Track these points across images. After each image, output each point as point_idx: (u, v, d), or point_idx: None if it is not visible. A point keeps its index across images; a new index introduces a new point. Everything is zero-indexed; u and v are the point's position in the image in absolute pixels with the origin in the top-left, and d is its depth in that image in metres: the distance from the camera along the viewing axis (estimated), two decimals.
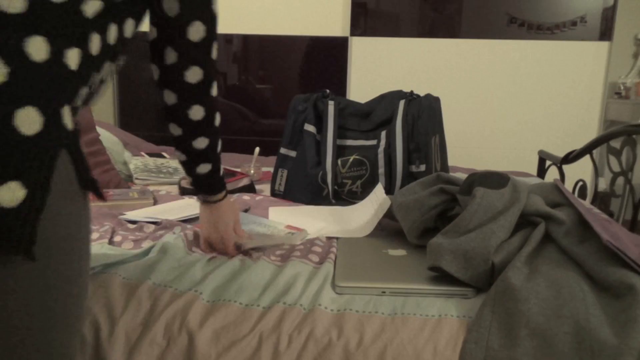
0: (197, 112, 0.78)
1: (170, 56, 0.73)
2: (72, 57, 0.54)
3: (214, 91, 0.79)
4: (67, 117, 0.52)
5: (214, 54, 0.76)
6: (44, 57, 0.51)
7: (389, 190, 1.37)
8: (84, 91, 0.57)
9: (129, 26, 0.65)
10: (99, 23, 0.58)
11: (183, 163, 0.85)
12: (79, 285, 0.58)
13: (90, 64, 0.57)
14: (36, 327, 0.53)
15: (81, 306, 0.59)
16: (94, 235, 1.04)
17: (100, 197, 0.61)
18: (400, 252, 0.99)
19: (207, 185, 0.89)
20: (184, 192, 1.48)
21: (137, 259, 0.93)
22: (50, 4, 0.52)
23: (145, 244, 1.00)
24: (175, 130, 0.81)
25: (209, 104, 0.79)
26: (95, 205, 1.28)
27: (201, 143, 0.82)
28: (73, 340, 0.59)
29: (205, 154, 0.83)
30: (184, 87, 0.76)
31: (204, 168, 0.85)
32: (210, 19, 0.73)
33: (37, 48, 0.50)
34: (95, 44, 0.58)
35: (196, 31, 0.72)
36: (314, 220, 1.19)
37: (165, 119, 0.81)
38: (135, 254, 0.95)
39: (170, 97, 0.77)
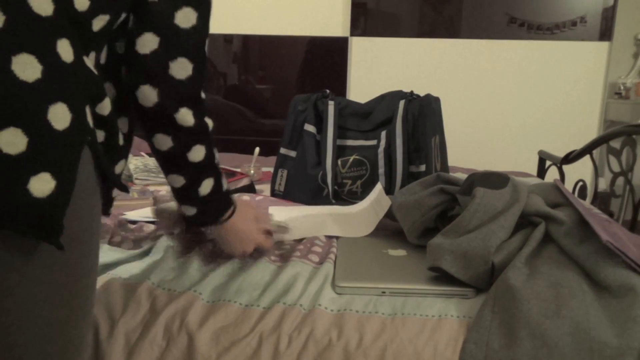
0: (198, 153, 0.70)
1: (150, 44, 0.64)
2: (90, 62, 0.57)
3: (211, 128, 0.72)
4: (89, 116, 0.55)
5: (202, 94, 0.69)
6: (71, 58, 0.53)
7: (389, 190, 1.37)
8: (102, 96, 0.58)
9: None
10: (103, 37, 0.60)
11: (180, 190, 0.75)
12: (94, 277, 0.60)
13: (101, 71, 0.60)
14: (56, 317, 0.55)
15: (92, 299, 0.61)
16: None
17: (124, 189, 0.65)
18: (400, 252, 0.99)
19: (213, 209, 0.77)
20: None
21: (136, 259, 0.93)
22: (75, 11, 0.55)
23: (145, 244, 1.00)
24: (177, 181, 0.72)
25: (209, 141, 0.72)
26: None
27: (207, 187, 0.74)
28: (86, 331, 0.61)
29: (205, 166, 0.74)
30: (177, 128, 0.67)
31: (207, 185, 0.75)
32: (198, 58, 0.66)
33: (66, 50, 0.52)
34: (103, 55, 0.60)
35: (182, 68, 0.64)
36: (313, 221, 1.19)
37: (163, 169, 0.72)
38: (135, 255, 0.95)
39: (165, 141, 0.69)
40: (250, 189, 1.51)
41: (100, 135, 0.60)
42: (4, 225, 0.49)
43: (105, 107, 0.59)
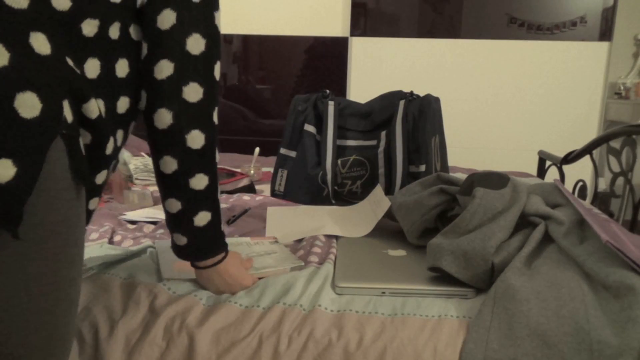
0: (200, 181, 0.71)
1: (166, 70, 0.67)
2: (70, 59, 0.58)
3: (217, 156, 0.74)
4: (67, 110, 0.55)
5: (215, 117, 0.71)
6: (48, 52, 0.54)
7: (389, 190, 1.37)
8: (87, 97, 0.58)
9: (120, 65, 0.65)
10: (97, 46, 0.61)
11: (174, 218, 0.75)
12: (77, 270, 0.60)
13: (113, 82, 0.63)
14: (36, 308, 0.55)
15: (78, 290, 0.62)
16: (94, 235, 1.04)
17: (94, 191, 0.64)
18: (400, 252, 0.99)
19: (205, 246, 0.77)
20: None
21: (136, 257, 0.93)
22: (53, 9, 0.56)
23: (145, 243, 1.00)
24: (173, 206, 0.73)
25: (213, 172, 0.73)
26: None
27: (203, 219, 0.74)
28: (72, 322, 0.61)
29: (206, 196, 0.74)
30: (185, 152, 0.69)
31: (203, 218, 0.74)
32: (208, 82, 0.69)
33: (40, 43, 0.53)
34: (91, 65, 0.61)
35: (194, 92, 0.67)
36: (313, 221, 1.19)
37: (163, 193, 0.73)
38: (134, 252, 0.95)
39: (170, 164, 0.70)
40: (250, 189, 1.51)
41: (86, 137, 0.60)
42: None
43: (92, 110, 0.59)
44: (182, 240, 0.75)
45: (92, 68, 0.61)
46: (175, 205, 0.72)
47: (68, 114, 0.55)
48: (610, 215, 1.62)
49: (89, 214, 0.67)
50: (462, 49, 2.76)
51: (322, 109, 1.44)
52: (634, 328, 0.65)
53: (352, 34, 2.80)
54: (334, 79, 2.86)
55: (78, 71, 0.58)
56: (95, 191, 0.65)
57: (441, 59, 2.78)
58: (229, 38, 2.88)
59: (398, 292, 0.82)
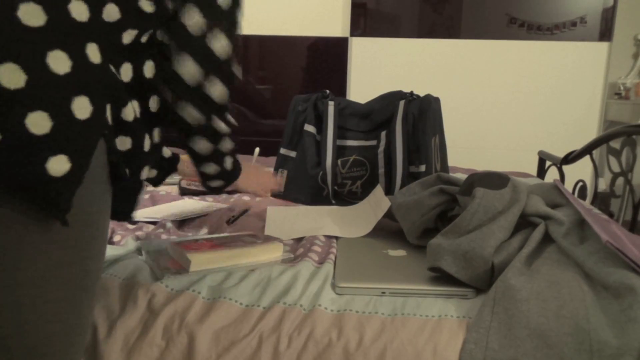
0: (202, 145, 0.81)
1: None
2: (126, 72, 0.65)
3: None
4: (109, 114, 0.61)
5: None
6: (99, 61, 0.60)
7: (388, 190, 1.37)
8: (126, 101, 0.65)
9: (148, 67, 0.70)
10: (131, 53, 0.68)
11: (215, 174, 0.90)
12: (100, 262, 0.64)
13: (142, 83, 0.69)
14: (62, 296, 0.59)
15: (98, 283, 0.66)
16: None
17: (138, 185, 0.72)
18: (400, 252, 0.99)
19: (234, 173, 0.93)
20: (183, 192, 1.47)
21: (133, 256, 0.93)
22: (104, 21, 0.63)
23: (143, 242, 1.00)
24: (209, 167, 0.87)
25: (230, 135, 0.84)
26: None
27: (229, 162, 0.89)
28: (90, 315, 0.65)
29: (230, 149, 0.87)
30: (211, 132, 0.80)
31: (229, 162, 0.89)
32: (227, 76, 0.75)
33: (94, 52, 0.60)
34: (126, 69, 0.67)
35: (214, 85, 0.74)
36: (313, 221, 1.19)
37: (196, 160, 0.85)
38: (131, 250, 0.95)
39: (202, 143, 0.81)
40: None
41: (127, 140, 0.66)
42: (20, 197, 0.54)
43: (129, 113, 0.65)
44: (219, 182, 0.91)
45: (126, 72, 0.66)
46: (210, 166, 0.86)
47: (109, 117, 0.62)
48: (610, 215, 1.62)
49: (133, 205, 0.74)
50: (462, 49, 2.76)
51: (322, 109, 1.44)
52: (634, 328, 0.65)
53: (352, 34, 2.80)
54: (334, 79, 2.86)
55: (119, 77, 0.64)
56: (140, 185, 0.72)
57: (441, 59, 2.78)
58: None
59: (398, 292, 0.82)
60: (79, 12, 0.59)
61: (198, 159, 0.84)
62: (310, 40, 2.84)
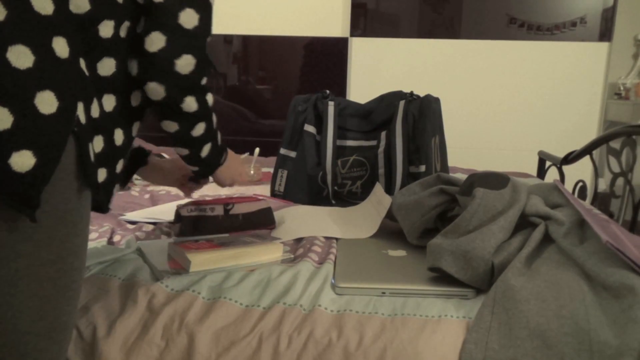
0: (190, 104, 0.75)
1: (157, 42, 0.68)
2: (84, 61, 0.63)
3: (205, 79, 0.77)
4: (80, 112, 0.60)
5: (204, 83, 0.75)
6: (66, 55, 0.59)
7: (389, 190, 1.37)
8: (92, 98, 0.63)
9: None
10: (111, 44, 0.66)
11: (186, 157, 0.84)
12: (81, 260, 0.64)
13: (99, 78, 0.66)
14: (44, 294, 0.59)
15: (81, 280, 0.65)
16: (93, 235, 1.04)
17: (113, 178, 0.70)
18: (400, 252, 0.99)
19: (212, 163, 0.88)
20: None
21: (133, 256, 0.93)
22: (72, 14, 0.61)
23: (143, 242, 1.00)
24: (182, 151, 0.82)
25: (210, 117, 0.79)
26: None
27: (206, 150, 0.83)
28: (74, 312, 0.65)
29: (206, 136, 0.81)
30: (183, 115, 0.74)
31: (206, 149, 0.84)
32: (201, 54, 0.71)
33: (61, 47, 0.58)
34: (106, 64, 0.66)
35: (186, 64, 0.69)
36: (314, 222, 1.19)
37: (171, 143, 0.81)
38: (131, 250, 0.95)
39: (172, 126, 0.76)
40: (266, 215, 1.16)
41: (100, 141, 0.65)
42: None
43: (94, 110, 0.63)
44: (195, 168, 0.86)
45: (107, 67, 0.65)
46: (184, 150, 0.81)
47: (81, 114, 0.60)
48: (610, 215, 1.62)
49: (109, 197, 0.72)
50: (462, 49, 2.76)
51: (322, 109, 1.44)
52: (634, 328, 0.65)
53: (352, 35, 2.80)
54: (334, 79, 2.86)
55: (87, 73, 0.62)
56: (115, 178, 0.71)
57: (441, 60, 2.78)
58: (229, 38, 2.88)
59: (398, 292, 0.82)
60: (42, 5, 0.57)
61: (171, 141, 0.80)
62: (310, 41, 2.84)
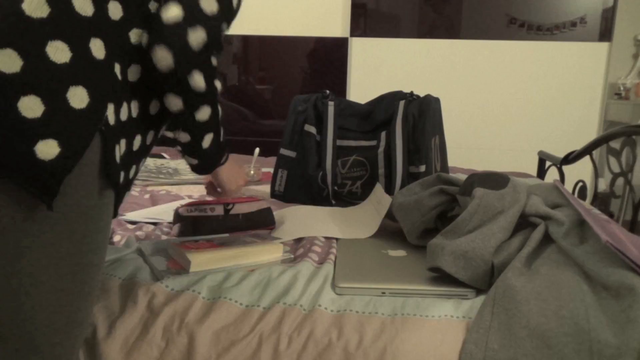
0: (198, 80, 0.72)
1: (173, 11, 0.67)
2: (118, 65, 0.65)
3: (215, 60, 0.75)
4: (110, 112, 0.62)
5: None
6: (102, 57, 0.61)
7: (389, 190, 1.37)
8: (123, 102, 0.66)
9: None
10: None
11: (186, 146, 0.79)
12: (100, 257, 0.65)
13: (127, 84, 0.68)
14: (62, 287, 0.60)
15: (99, 277, 0.66)
16: None
17: (127, 184, 0.71)
18: (400, 252, 0.99)
19: (213, 158, 0.84)
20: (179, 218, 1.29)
21: (133, 256, 0.93)
22: (110, 19, 0.64)
23: (142, 243, 1.00)
24: (183, 137, 0.77)
25: (215, 102, 0.77)
26: None
27: (208, 140, 0.79)
28: (90, 308, 0.66)
29: (209, 124, 0.78)
30: (189, 91, 0.72)
31: (208, 140, 0.80)
32: (214, 30, 0.70)
33: (98, 48, 0.61)
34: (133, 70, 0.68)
35: (198, 37, 0.68)
36: (314, 222, 1.19)
37: (171, 127, 0.78)
38: (131, 250, 0.95)
39: (176, 103, 0.73)
40: (266, 215, 1.17)
41: (123, 144, 0.66)
42: (12, 180, 0.55)
43: (124, 113, 0.65)
44: (194, 161, 0.82)
45: (135, 72, 0.68)
46: (185, 136, 0.78)
47: (111, 115, 0.62)
48: (610, 215, 1.62)
49: (120, 202, 0.72)
50: (462, 49, 2.76)
51: (322, 110, 1.44)
52: (634, 328, 0.65)
53: (352, 35, 2.80)
54: (334, 80, 2.86)
55: (120, 77, 0.65)
56: (129, 184, 0.72)
57: (441, 60, 2.78)
58: (229, 38, 2.88)
59: (398, 292, 0.82)
60: (83, 7, 0.60)
61: (172, 124, 0.77)
62: (310, 41, 2.84)
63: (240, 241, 0.98)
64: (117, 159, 0.64)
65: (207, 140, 0.79)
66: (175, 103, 0.72)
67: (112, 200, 0.66)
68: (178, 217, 1.06)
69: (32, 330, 0.59)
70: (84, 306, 0.64)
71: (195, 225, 1.04)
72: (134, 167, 0.73)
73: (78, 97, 0.58)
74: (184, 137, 0.78)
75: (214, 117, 0.77)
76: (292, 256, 0.96)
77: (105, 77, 0.61)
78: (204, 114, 0.75)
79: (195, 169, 0.85)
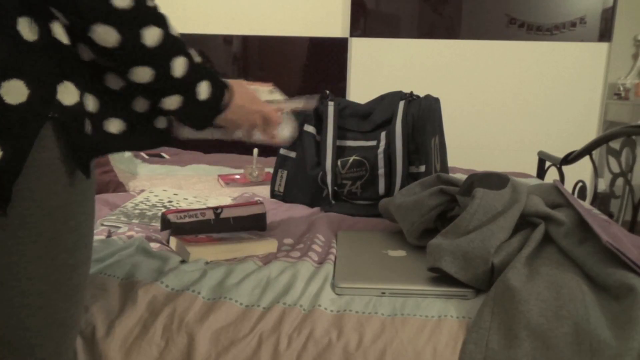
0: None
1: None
2: (61, 33, 0.56)
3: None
4: (64, 94, 0.55)
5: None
6: (35, 37, 0.53)
7: (389, 190, 1.37)
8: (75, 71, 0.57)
9: None
10: None
11: (180, 111, 0.68)
12: (77, 257, 0.61)
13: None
14: (33, 290, 0.58)
15: (80, 277, 0.63)
16: None
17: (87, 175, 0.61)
18: (400, 252, 0.99)
19: (214, 106, 0.71)
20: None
21: (129, 254, 0.93)
22: None
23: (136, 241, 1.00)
24: (143, 74, 0.63)
25: (185, 51, 0.65)
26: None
27: (179, 66, 0.65)
28: (73, 308, 0.63)
29: (194, 73, 0.66)
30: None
31: (205, 89, 0.68)
32: None
33: (26, 28, 0.53)
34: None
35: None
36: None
37: (156, 98, 0.66)
38: (126, 247, 0.94)
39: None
40: (259, 220, 1.15)
41: (88, 124, 0.58)
42: None
43: (81, 91, 0.58)
44: (199, 121, 0.71)
45: (86, 52, 0.60)
46: (176, 100, 0.66)
47: (66, 96, 0.55)
48: (610, 215, 1.62)
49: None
50: (462, 49, 2.76)
51: (322, 110, 1.44)
52: (634, 329, 0.65)
53: (352, 35, 2.79)
54: (334, 80, 2.86)
55: (67, 54, 0.56)
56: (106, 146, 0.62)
57: (441, 60, 2.78)
58: (229, 38, 2.88)
59: (398, 293, 0.82)
60: None
61: (150, 95, 0.65)
62: (310, 41, 2.84)
63: (237, 237, 1.00)
64: (86, 142, 0.58)
65: (204, 90, 0.68)
66: (143, 74, 0.61)
67: (88, 195, 0.61)
68: (167, 223, 1.04)
69: (8, 332, 0.58)
70: (64, 307, 0.61)
71: (185, 231, 1.04)
72: (121, 148, 0.64)
73: (14, 92, 0.51)
74: (174, 102, 0.66)
75: (193, 64, 0.66)
76: (290, 247, 0.97)
77: (44, 60, 0.54)
78: (178, 66, 0.63)
79: (196, 124, 0.73)
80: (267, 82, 0.94)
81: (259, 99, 0.80)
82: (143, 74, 0.61)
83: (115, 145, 0.64)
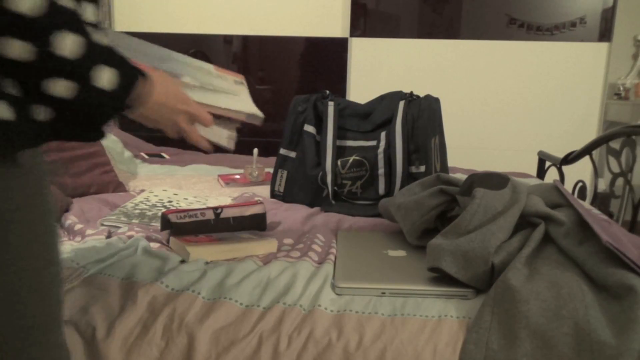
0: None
1: None
2: None
3: None
4: None
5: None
6: None
7: (389, 191, 1.37)
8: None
9: None
10: None
11: (77, 100, 0.56)
12: (26, 261, 0.57)
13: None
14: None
15: (37, 281, 0.58)
16: (90, 231, 1.04)
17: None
18: (400, 252, 0.99)
19: (119, 94, 0.59)
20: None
21: (129, 254, 0.93)
22: None
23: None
24: (20, 50, 0.52)
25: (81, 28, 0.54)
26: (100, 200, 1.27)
27: (70, 43, 0.53)
28: (43, 313, 0.58)
29: (91, 54, 0.55)
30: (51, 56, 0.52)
31: (106, 75, 0.57)
32: None
33: None
34: None
35: None
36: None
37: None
38: (126, 248, 0.94)
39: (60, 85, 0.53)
40: (259, 220, 1.15)
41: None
42: None
43: None
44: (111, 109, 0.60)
45: None
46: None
47: None
48: (610, 215, 1.62)
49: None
50: (462, 49, 2.76)
51: (321, 110, 1.44)
52: (634, 329, 0.65)
53: (352, 35, 2.79)
54: (334, 80, 2.86)
55: None
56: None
57: (441, 60, 2.78)
58: (229, 38, 2.88)
59: (398, 293, 0.82)
60: None
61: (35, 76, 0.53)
62: (310, 41, 2.84)
63: (237, 237, 1.00)
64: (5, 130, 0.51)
65: (104, 76, 0.57)
66: (22, 50, 0.50)
67: (26, 190, 0.55)
68: (167, 223, 1.04)
69: None
70: (30, 313, 0.57)
71: (185, 231, 1.04)
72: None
73: None
74: (68, 88, 0.55)
75: (91, 43, 0.55)
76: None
77: None
78: (69, 43, 0.53)
79: (100, 118, 0.61)
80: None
81: (188, 98, 0.71)
82: (13, 48, 0.50)
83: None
